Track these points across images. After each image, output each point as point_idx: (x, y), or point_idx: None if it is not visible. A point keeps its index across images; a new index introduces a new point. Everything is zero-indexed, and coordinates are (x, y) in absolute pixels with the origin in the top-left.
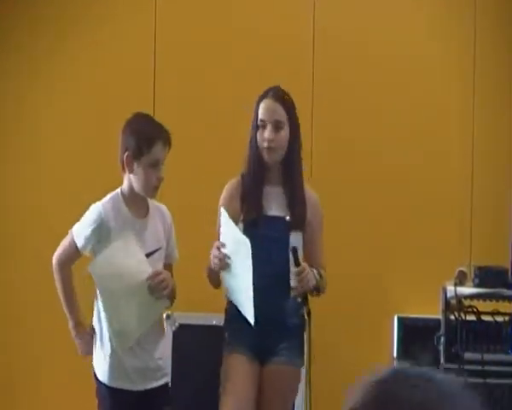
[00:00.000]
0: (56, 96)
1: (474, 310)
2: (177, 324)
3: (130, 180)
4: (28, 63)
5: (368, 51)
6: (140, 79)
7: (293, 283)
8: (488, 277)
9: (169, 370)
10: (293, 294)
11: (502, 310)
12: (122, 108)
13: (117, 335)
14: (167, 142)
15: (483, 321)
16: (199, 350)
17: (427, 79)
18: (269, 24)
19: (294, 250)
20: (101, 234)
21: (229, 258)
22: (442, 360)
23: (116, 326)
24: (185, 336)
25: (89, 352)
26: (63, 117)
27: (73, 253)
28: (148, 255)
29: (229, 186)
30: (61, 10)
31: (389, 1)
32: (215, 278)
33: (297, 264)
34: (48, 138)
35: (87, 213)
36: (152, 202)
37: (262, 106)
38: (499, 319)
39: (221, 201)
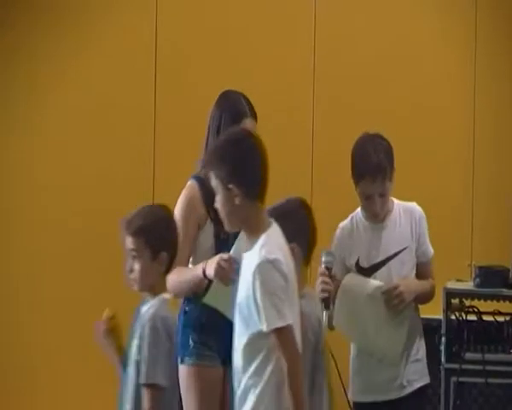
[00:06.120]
0: (56, 96)
1: (475, 310)
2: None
3: None
4: (28, 63)
5: (368, 51)
6: (140, 79)
7: None
8: (489, 277)
9: None
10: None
11: (503, 310)
12: (122, 108)
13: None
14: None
15: (484, 321)
16: None
17: (428, 79)
18: (269, 23)
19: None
20: None
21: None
22: (443, 360)
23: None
24: None
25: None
26: (63, 117)
27: None
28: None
29: (192, 192)
30: (61, 8)
31: (390, 0)
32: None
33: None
34: (47, 139)
35: None
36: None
37: (243, 126)
38: (500, 318)
39: (185, 207)
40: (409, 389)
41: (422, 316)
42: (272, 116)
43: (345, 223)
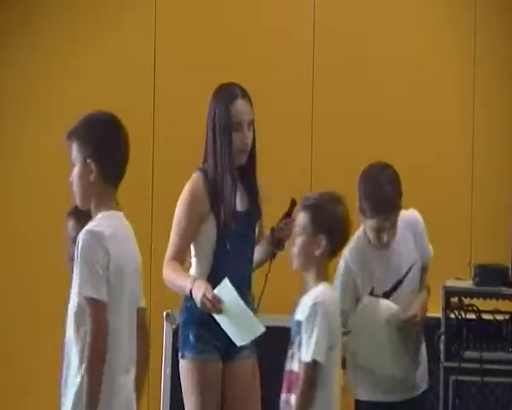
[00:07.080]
0: (55, 96)
1: (475, 309)
2: (177, 322)
3: None
4: (24, 63)
5: (368, 51)
6: (140, 76)
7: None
8: (488, 275)
9: None
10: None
11: (502, 309)
12: (122, 105)
13: None
14: None
15: (483, 320)
16: None
17: (427, 79)
18: (269, 22)
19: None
20: None
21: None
22: (442, 359)
23: None
24: None
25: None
26: (62, 116)
27: None
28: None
29: (196, 184)
30: (59, 7)
31: (390, 0)
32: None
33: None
34: (45, 141)
35: None
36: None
37: (236, 107)
38: (499, 317)
39: (188, 199)
40: (415, 392)
41: None
42: (271, 115)
43: (350, 250)
